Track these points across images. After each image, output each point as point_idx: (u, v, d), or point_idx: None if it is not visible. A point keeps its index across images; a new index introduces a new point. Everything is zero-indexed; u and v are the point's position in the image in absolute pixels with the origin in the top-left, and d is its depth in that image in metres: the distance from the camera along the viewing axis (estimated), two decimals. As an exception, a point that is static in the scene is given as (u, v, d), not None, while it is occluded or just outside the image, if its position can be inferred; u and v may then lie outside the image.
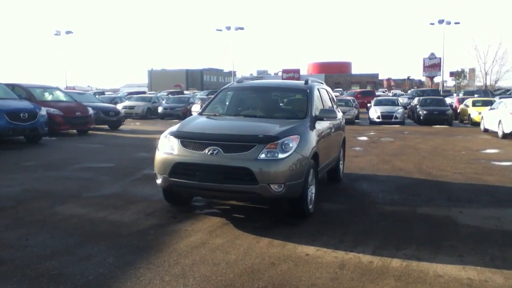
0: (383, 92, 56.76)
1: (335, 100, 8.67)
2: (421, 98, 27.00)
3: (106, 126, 18.10)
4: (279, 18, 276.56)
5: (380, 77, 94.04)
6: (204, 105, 6.96)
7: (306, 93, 6.62)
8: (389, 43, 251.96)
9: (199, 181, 5.18)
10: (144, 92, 47.08)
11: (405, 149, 12.93)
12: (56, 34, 55.01)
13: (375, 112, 23.63)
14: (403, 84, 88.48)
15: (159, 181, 5.51)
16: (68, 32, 54.96)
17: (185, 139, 5.42)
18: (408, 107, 29.39)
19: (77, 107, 14.67)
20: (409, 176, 8.73)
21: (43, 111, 12.17)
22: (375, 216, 5.88)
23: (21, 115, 11.28)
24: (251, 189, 5.07)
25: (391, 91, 65.31)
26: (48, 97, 14.81)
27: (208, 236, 4.92)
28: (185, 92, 54.09)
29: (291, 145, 5.23)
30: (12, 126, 11.06)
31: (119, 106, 23.92)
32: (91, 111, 14.92)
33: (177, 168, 5.30)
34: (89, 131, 15.79)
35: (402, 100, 35.40)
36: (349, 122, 23.21)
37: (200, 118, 6.37)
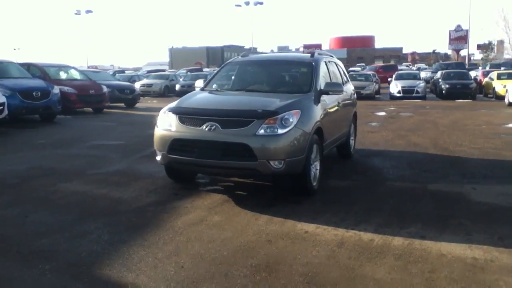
0: (407, 66, 55.31)
1: (346, 74, 8.38)
2: (444, 71, 26.16)
3: (122, 104, 18.16)
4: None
5: (404, 51, 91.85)
6: (207, 80, 6.81)
7: (311, 66, 6.38)
8: (414, 15, 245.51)
9: (197, 157, 5.07)
10: (163, 70, 47.06)
11: (423, 124, 12.55)
12: (76, 14, 55.32)
13: (395, 87, 23.05)
14: (428, 58, 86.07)
15: (158, 158, 5.42)
16: (88, 11, 55.17)
17: (183, 115, 5.29)
18: (431, 81, 28.61)
19: (91, 86, 14.68)
20: (424, 152, 8.45)
21: (56, 89, 12.20)
22: (383, 193, 5.69)
23: (34, 93, 11.33)
24: (250, 166, 4.94)
25: (415, 65, 63.72)
26: (62, 76, 14.86)
27: (207, 213, 4.82)
28: (205, 69, 53.84)
29: (291, 120, 5.04)
30: (25, 105, 11.13)
31: (137, 84, 23.94)
32: (105, 89, 14.93)
33: (175, 145, 5.20)
34: (104, 109, 15.84)
35: (426, 74, 34.58)
36: (369, 97, 22.88)
37: (200, 93, 6.22)
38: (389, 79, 25.73)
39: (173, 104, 5.70)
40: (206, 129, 5.03)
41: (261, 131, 4.91)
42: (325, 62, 6.92)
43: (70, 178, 6.21)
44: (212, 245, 3.97)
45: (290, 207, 5.05)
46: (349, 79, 8.41)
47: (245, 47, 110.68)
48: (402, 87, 22.69)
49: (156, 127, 5.47)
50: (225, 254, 3.79)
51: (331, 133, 6.33)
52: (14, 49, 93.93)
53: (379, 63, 61.16)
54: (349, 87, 7.91)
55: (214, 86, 6.53)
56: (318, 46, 79.32)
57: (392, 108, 17.77)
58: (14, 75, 12.29)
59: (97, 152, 8.08)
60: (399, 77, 24.70)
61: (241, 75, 6.79)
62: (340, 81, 7.50)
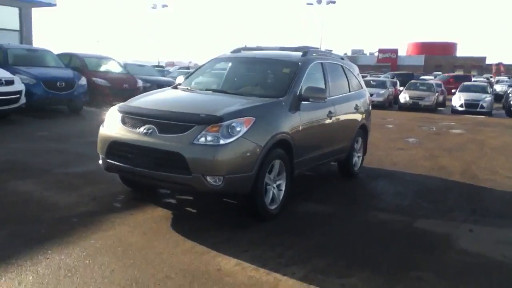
0: (486, 78, 51.10)
1: (360, 79, 7.40)
2: (517, 86, 23.66)
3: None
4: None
5: (488, 61, 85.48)
6: (185, 77, 6.20)
7: (295, 67, 5.57)
8: (501, 21, 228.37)
9: (132, 165, 4.48)
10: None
11: (467, 144, 11.12)
12: (152, 8, 57.11)
13: (458, 100, 21.11)
14: (516, 70, 79.40)
15: (100, 161, 4.90)
16: (164, 6, 56.73)
17: (126, 114, 4.71)
18: (504, 96, 26.03)
19: (126, 79, 14.65)
20: (446, 178, 7.30)
21: (83, 81, 12.18)
22: (357, 227, 4.79)
23: (58, 84, 11.32)
24: (183, 180, 4.25)
25: (496, 77, 58.94)
26: (100, 67, 14.95)
27: (129, 232, 4.21)
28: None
29: (237, 129, 4.29)
30: (49, 95, 11.17)
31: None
32: (140, 83, 14.82)
33: (112, 148, 4.64)
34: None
35: (501, 87, 31.52)
36: (428, 109, 21.16)
37: (164, 91, 5.66)
38: (452, 91, 23.74)
39: (127, 101, 5.18)
40: (143, 133, 4.43)
41: (201, 140, 4.20)
42: (321, 64, 6.09)
43: (30, 176, 5.87)
44: (96, 275, 3.36)
45: (229, 233, 4.32)
46: (363, 86, 7.45)
47: (319, 49, 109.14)
48: (465, 100, 20.73)
49: (101, 126, 4.95)
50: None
51: (312, 147, 5.49)
52: (98, 41, 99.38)
53: (460, 73, 57.07)
54: (357, 95, 6.94)
55: (191, 83, 5.90)
56: (394, 51, 76.00)
57: (446, 123, 16.16)
58: (47, 64, 12.45)
59: (84, 150, 7.72)
60: (465, 89, 22.60)
61: (217, 73, 6.13)
62: (344, 88, 6.62)
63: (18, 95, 9.83)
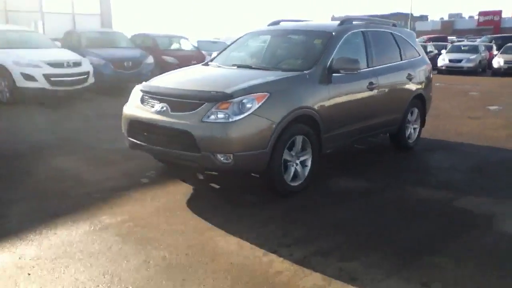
0: None
1: (417, 46, 6.72)
2: None
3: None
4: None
5: None
6: (218, 53, 6.05)
7: (328, 38, 5.18)
8: None
9: (148, 143, 4.47)
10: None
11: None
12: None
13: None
14: None
15: (125, 140, 4.96)
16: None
17: (145, 92, 4.70)
18: None
19: (194, 56, 14.81)
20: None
21: (150, 59, 12.54)
22: (389, 203, 4.41)
23: (125, 63, 11.80)
24: (193, 158, 4.16)
25: None
26: (171, 46, 15.33)
27: (143, 207, 4.20)
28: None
29: (248, 105, 4.07)
30: (117, 74, 11.68)
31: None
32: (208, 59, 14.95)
33: (132, 127, 4.66)
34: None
35: None
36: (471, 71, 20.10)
37: (191, 68, 5.55)
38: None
39: (151, 79, 5.17)
40: (157, 111, 4.39)
41: (211, 117, 4.05)
42: (362, 32, 5.60)
43: (75, 152, 6.12)
44: (85, 255, 3.40)
45: (244, 210, 4.16)
46: (421, 54, 6.76)
47: (414, 15, 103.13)
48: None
49: (125, 105, 4.99)
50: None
51: (347, 121, 5.11)
52: (181, 22, 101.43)
53: None
54: (410, 64, 6.31)
55: (222, 59, 5.75)
56: (497, 13, 69.14)
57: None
58: (117, 45, 13.03)
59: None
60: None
61: (247, 48, 5.89)
62: (394, 56, 6.07)
63: (86, 76, 10.37)
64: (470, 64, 20.39)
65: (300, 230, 3.74)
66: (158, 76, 5.32)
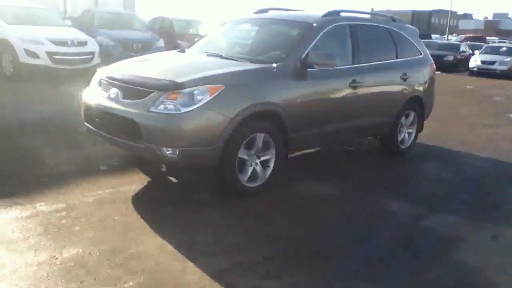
0: None
1: (417, 45, 6.19)
2: None
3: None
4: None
5: None
6: (199, 39, 5.73)
7: (307, 29, 4.79)
8: None
9: (99, 129, 4.23)
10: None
11: None
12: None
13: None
14: None
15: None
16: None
17: (104, 76, 4.44)
18: None
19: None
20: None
21: (160, 42, 12.38)
22: (348, 216, 4.03)
23: (134, 45, 11.67)
24: (137, 149, 3.90)
25: None
26: (187, 30, 15.15)
27: (85, 197, 3.98)
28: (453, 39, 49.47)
29: (199, 97, 3.76)
30: (125, 55, 11.55)
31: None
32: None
33: (87, 111, 4.43)
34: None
35: None
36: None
37: (161, 54, 5.28)
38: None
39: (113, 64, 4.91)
40: (109, 97, 4.13)
41: (159, 107, 3.75)
42: (349, 26, 5.16)
43: (48, 132, 5.93)
44: None
45: (187, 210, 3.86)
46: (423, 52, 6.25)
47: (457, 13, 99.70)
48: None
49: (85, 88, 4.75)
50: None
51: (322, 121, 4.73)
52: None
53: None
54: (407, 63, 5.82)
55: (201, 46, 5.42)
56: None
57: None
58: (130, 27, 12.93)
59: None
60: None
61: (229, 36, 5.53)
62: (387, 54, 5.62)
63: (91, 56, 10.27)
64: (504, 67, 19.33)
65: (236, 237, 3.42)
66: (122, 60, 5.05)
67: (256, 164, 4.22)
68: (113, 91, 4.11)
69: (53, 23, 10.71)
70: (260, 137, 4.15)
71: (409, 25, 6.33)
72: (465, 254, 3.42)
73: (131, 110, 3.86)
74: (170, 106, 3.74)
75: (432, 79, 6.34)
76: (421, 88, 6.06)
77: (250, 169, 4.17)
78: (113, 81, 4.21)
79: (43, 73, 9.61)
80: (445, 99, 10.74)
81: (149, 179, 4.56)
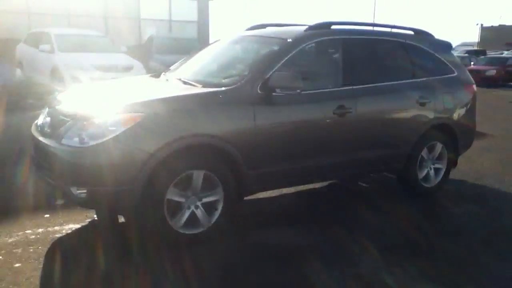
0: None
1: (445, 61, 5.04)
2: None
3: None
4: None
5: None
6: (181, 61, 5.16)
7: (279, 46, 4.05)
8: None
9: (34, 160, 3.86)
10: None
11: None
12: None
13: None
14: None
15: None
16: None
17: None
18: None
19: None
20: None
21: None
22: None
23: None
24: (51, 185, 3.46)
25: None
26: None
27: (6, 241, 3.61)
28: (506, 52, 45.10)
29: (112, 128, 3.21)
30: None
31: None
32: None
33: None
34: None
35: None
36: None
37: (122, 80, 4.85)
38: None
39: None
40: (40, 124, 3.79)
41: (73, 139, 3.26)
42: (342, 40, 4.32)
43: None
44: None
45: (86, 262, 3.31)
46: (457, 70, 5.11)
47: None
48: None
49: None
50: None
51: (291, 156, 3.90)
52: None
53: None
54: (425, 83, 4.74)
55: (177, 69, 4.83)
56: None
57: None
58: (189, 52, 12.97)
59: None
60: None
61: (209, 55, 4.84)
62: (398, 73, 4.68)
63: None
64: None
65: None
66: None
67: (197, 207, 3.55)
68: (47, 118, 3.75)
69: (105, 49, 10.99)
70: (199, 175, 3.48)
71: (438, 38, 5.24)
72: None
73: (48, 141, 3.45)
74: (78, 138, 3.25)
75: (470, 103, 5.16)
76: (451, 114, 4.93)
77: (186, 214, 3.51)
78: (49, 109, 3.85)
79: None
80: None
81: (96, 218, 4.08)
